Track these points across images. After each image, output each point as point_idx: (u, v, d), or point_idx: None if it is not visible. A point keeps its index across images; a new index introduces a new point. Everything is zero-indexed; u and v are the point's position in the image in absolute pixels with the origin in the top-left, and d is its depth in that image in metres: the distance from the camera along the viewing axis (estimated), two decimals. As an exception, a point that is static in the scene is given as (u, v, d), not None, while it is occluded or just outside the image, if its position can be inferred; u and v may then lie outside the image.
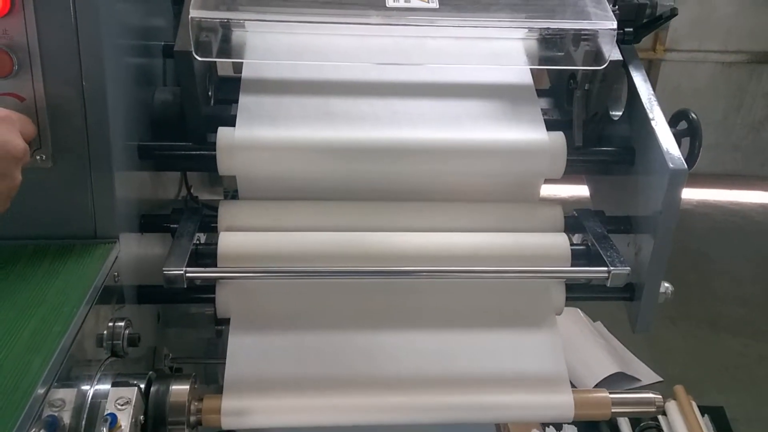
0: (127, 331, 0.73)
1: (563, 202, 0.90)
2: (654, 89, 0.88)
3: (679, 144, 0.83)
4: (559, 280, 0.86)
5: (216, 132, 0.84)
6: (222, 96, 0.94)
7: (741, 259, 3.18)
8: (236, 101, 0.88)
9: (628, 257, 0.84)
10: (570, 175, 0.89)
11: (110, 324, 0.72)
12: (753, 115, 3.82)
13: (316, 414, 0.78)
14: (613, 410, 0.80)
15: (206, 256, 0.83)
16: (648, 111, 0.85)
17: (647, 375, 2.40)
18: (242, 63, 0.90)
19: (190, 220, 0.85)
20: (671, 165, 0.78)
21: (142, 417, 0.70)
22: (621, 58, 0.84)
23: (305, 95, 0.88)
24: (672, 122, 0.88)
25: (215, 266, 0.81)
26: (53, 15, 0.66)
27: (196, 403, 0.75)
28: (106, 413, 0.65)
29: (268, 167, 0.85)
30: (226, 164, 0.84)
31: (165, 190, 1.02)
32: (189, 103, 0.84)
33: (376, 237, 0.84)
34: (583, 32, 0.83)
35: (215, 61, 0.88)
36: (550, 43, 0.87)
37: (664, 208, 0.79)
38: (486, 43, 0.90)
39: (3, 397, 0.53)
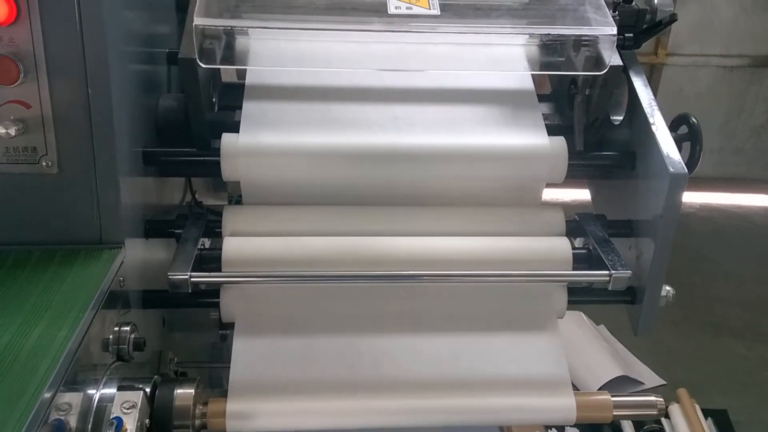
0: (132, 336, 0.73)
1: (565, 206, 0.91)
2: (656, 93, 0.89)
3: (680, 148, 0.83)
4: (561, 284, 0.86)
5: (220, 138, 0.85)
6: (226, 102, 0.94)
7: (744, 262, 3.17)
8: (240, 107, 0.89)
9: (629, 261, 0.85)
10: (571, 179, 0.90)
11: (116, 328, 0.73)
12: (755, 118, 3.82)
13: (321, 417, 0.78)
14: (614, 413, 0.80)
15: (211, 260, 0.83)
16: (648, 116, 0.85)
17: (650, 378, 2.39)
18: (246, 69, 0.91)
19: (195, 226, 0.86)
20: (671, 169, 0.78)
21: (147, 420, 0.70)
22: (621, 64, 0.84)
23: (308, 101, 0.89)
24: (672, 127, 0.88)
25: (220, 271, 0.82)
26: (59, 23, 0.67)
27: (201, 407, 0.75)
28: (111, 417, 0.66)
29: (272, 173, 0.86)
30: (230, 170, 0.85)
31: (169, 196, 1.03)
32: (193, 109, 0.85)
33: (378, 241, 0.84)
34: (583, 38, 0.83)
35: (219, 68, 0.89)
36: (550, 49, 0.87)
37: (665, 212, 0.79)
38: (487, 48, 0.91)
39: (11, 400, 0.54)
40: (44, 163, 0.71)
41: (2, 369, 0.57)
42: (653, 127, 0.84)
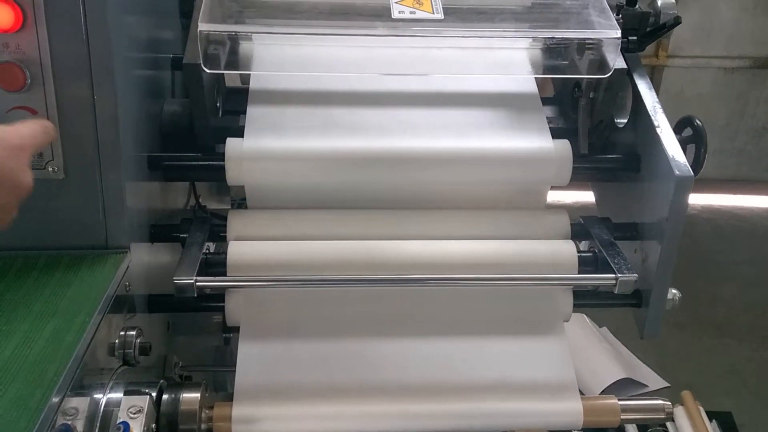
0: (138, 340, 0.74)
1: (568, 208, 0.91)
2: (657, 95, 0.89)
3: (685, 150, 0.83)
4: (566, 287, 0.86)
5: (224, 142, 0.85)
6: (230, 107, 0.95)
7: (747, 263, 3.16)
8: (244, 112, 0.89)
9: (635, 264, 0.84)
10: (575, 182, 0.90)
11: (122, 333, 0.73)
12: (756, 120, 3.82)
13: (326, 422, 0.78)
14: (622, 417, 0.80)
15: (215, 265, 0.83)
16: (653, 118, 0.85)
17: (654, 380, 2.38)
18: (249, 74, 0.91)
19: (199, 230, 0.86)
20: (677, 172, 0.78)
21: (154, 425, 0.70)
22: (625, 66, 0.84)
23: (312, 105, 0.89)
24: (677, 129, 0.88)
25: (225, 275, 0.82)
26: (64, 29, 0.67)
27: (207, 411, 0.75)
28: (118, 422, 0.66)
29: (277, 177, 0.86)
30: (234, 174, 0.85)
31: (174, 200, 1.03)
32: (198, 114, 0.85)
33: (383, 245, 0.84)
34: (587, 41, 0.83)
35: (223, 73, 0.90)
36: (554, 53, 0.88)
37: (671, 215, 0.79)
38: (491, 52, 0.91)
39: (19, 405, 0.54)
40: (50, 169, 0.71)
41: (10, 374, 0.57)
42: (658, 130, 0.84)
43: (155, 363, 0.88)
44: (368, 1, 0.85)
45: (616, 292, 0.81)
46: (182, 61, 0.81)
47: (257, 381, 0.79)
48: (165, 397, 0.74)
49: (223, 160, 0.84)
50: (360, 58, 0.89)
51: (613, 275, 0.80)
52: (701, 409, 2.05)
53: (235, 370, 0.78)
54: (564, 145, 0.88)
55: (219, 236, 0.88)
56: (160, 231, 0.87)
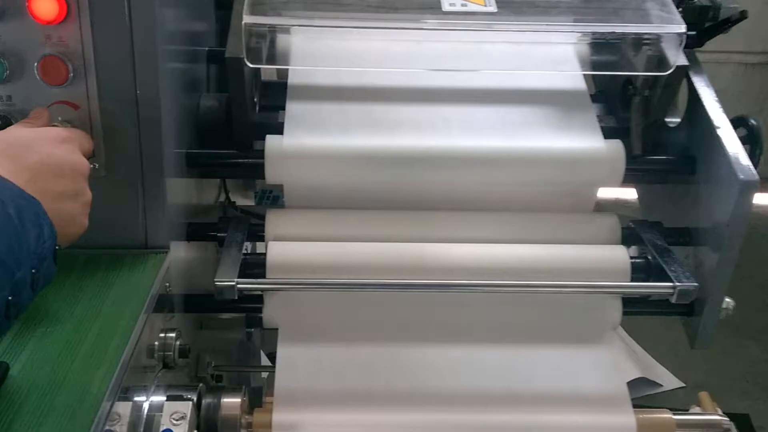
0: (178, 342, 0.72)
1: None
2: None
3: (739, 152, 0.79)
4: (616, 295, 0.83)
5: (261, 139, 0.83)
6: (265, 102, 0.92)
7: (765, 263, 3.11)
8: (279, 107, 0.86)
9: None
10: (624, 184, 0.87)
11: (161, 335, 0.71)
12: (776, 116, 3.74)
13: (369, 430, 0.76)
14: (677, 433, 0.76)
15: (254, 265, 0.81)
16: (712, 118, 0.82)
17: (669, 380, 2.35)
18: (287, 69, 0.88)
19: (238, 229, 0.84)
20: (741, 176, 0.75)
21: (195, 431, 0.69)
22: (687, 63, 0.80)
23: (355, 102, 0.86)
24: (728, 129, 0.84)
25: (262, 276, 0.80)
26: (108, 21, 0.65)
27: (246, 417, 0.73)
28: (162, 429, 0.64)
29: (317, 176, 0.83)
30: (274, 173, 0.82)
31: (205, 197, 1.01)
32: (237, 109, 0.82)
33: (427, 248, 0.82)
34: (646, 36, 0.80)
35: (261, 67, 0.87)
36: (609, 48, 0.84)
37: (732, 221, 0.76)
38: (542, 47, 0.87)
39: (68, 414, 0.52)
40: (92, 166, 0.68)
41: (57, 381, 0.55)
42: (718, 131, 0.80)
43: (188, 363, 0.86)
44: (417, -6, 0.81)
45: (673, 302, 0.77)
46: (223, 55, 0.78)
47: (297, 386, 0.77)
48: (205, 401, 0.72)
49: (262, 158, 0.82)
50: (406, 53, 0.85)
51: (671, 284, 0.77)
52: (719, 410, 2.02)
53: (265, 369, 0.75)
54: (616, 145, 0.84)
55: (257, 236, 0.85)
56: (197, 229, 0.84)
